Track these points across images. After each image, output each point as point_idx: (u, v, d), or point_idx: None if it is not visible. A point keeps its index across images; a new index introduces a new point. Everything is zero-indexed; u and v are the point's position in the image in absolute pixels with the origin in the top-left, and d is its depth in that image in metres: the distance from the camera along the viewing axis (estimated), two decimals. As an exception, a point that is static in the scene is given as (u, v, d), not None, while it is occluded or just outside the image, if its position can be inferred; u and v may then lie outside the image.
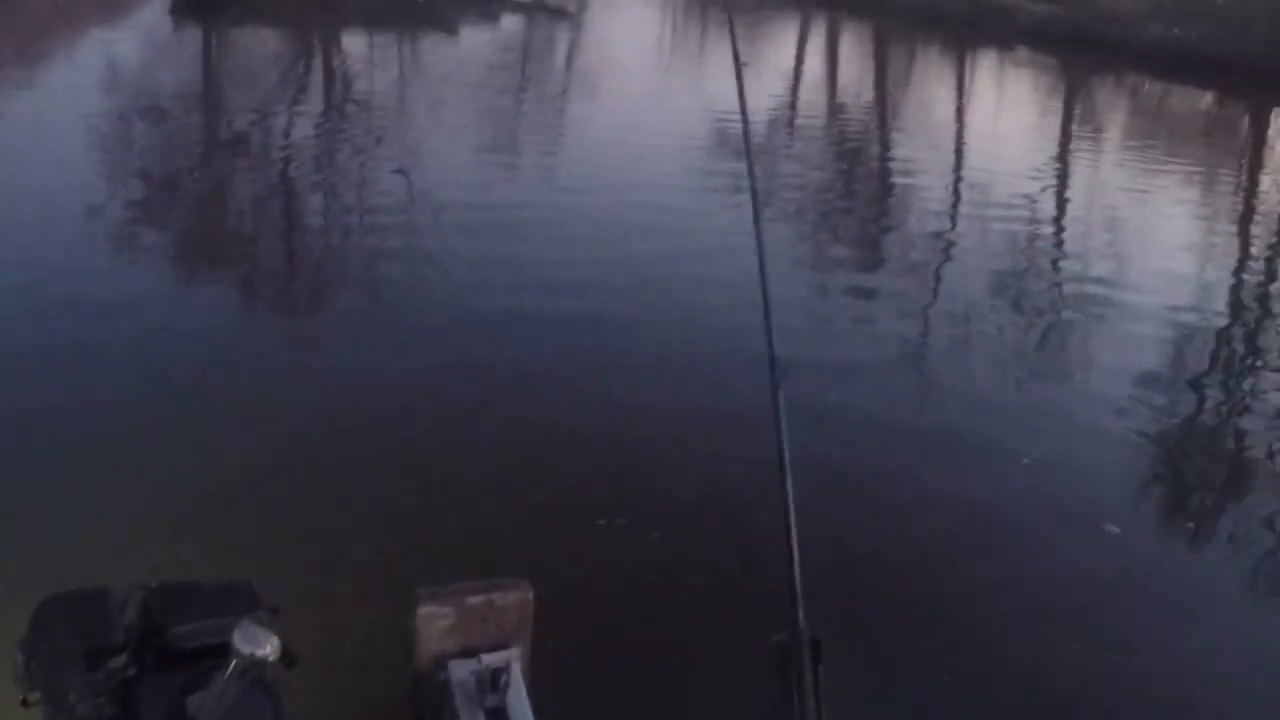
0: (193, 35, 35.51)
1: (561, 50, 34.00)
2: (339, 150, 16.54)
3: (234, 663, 1.46)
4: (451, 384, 8.27)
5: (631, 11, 50.16)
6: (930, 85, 31.29)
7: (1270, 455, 8.87)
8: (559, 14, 42.80)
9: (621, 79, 25.71)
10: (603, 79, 25.73)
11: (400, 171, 14.28)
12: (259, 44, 33.19)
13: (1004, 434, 8.38)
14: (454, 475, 6.89)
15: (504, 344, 8.99)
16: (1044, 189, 17.45)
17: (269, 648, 1.45)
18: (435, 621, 3.09)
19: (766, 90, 23.39)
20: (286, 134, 17.48)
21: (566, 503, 6.66)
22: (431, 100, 21.66)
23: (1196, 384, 10.01)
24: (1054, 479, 7.73)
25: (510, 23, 38.71)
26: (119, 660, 2.08)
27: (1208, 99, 32.52)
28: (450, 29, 35.76)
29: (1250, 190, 20.13)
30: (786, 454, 2.32)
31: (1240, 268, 14.25)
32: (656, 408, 8.09)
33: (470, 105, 20.81)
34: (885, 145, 20.85)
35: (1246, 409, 9.72)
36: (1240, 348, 11.24)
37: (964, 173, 18.18)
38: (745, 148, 3.60)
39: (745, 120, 3.49)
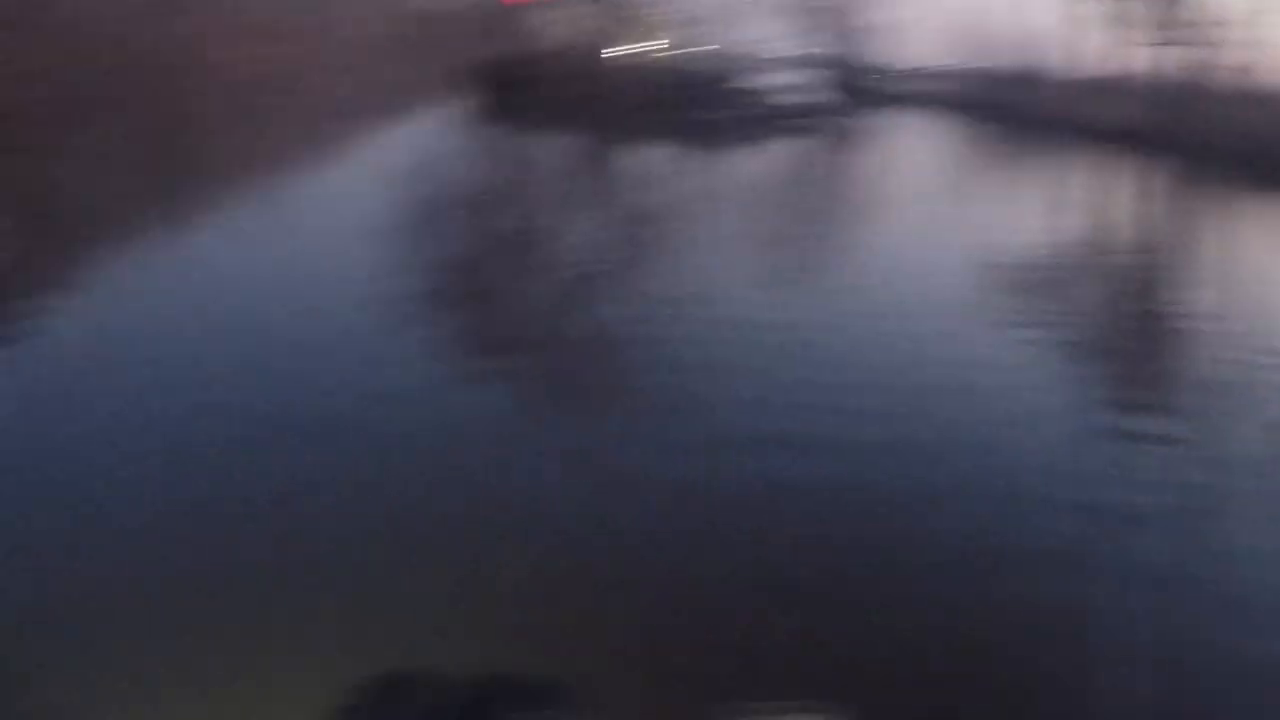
0: (489, 136, 37.27)
1: (858, 172, 34.04)
2: (628, 258, 16.83)
3: None
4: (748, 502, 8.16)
5: (922, 139, 49.89)
6: (1215, 227, 29.77)
7: None
8: (849, 136, 43.00)
9: (911, 206, 25.48)
10: (892, 204, 25.55)
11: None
12: (555, 149, 34.52)
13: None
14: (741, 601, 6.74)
15: (784, 463, 8.82)
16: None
17: None
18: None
19: (1065, 228, 22.88)
20: (577, 238, 17.93)
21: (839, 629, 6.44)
22: (725, 214, 21.91)
23: None
24: None
25: (801, 144, 39.11)
26: None
27: None
28: (748, 144, 36.38)
29: None
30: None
31: None
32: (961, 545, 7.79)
33: (759, 222, 20.94)
34: (1164, 287, 20.01)
35: None
36: None
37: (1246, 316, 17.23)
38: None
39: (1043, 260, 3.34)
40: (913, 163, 38.90)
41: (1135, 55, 60.89)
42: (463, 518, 7.55)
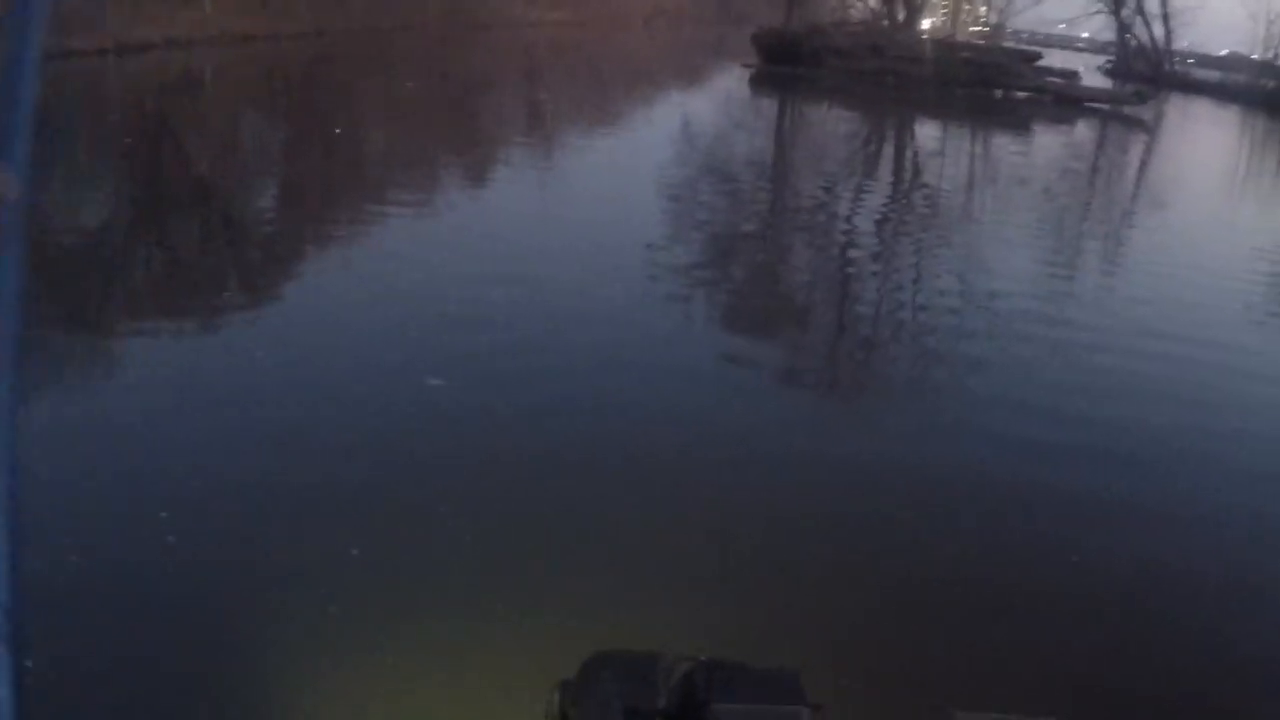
0: (768, 105, 37.20)
1: (1134, 162, 32.68)
2: (898, 236, 16.51)
3: None
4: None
5: (1208, 129, 47.54)
6: None
7: None
8: (1135, 123, 41.43)
9: (1193, 199, 24.32)
10: (1172, 197, 24.41)
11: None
12: (832, 120, 34.23)
13: None
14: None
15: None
16: None
17: None
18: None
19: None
20: (849, 213, 17.68)
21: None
22: (999, 198, 21.33)
23: None
24: None
25: (1084, 128, 37.87)
26: None
27: None
28: (1024, 128, 35.44)
29: None
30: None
31: None
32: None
33: (1036, 209, 20.27)
34: None
35: None
36: None
37: None
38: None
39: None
40: (1207, 154, 37.24)
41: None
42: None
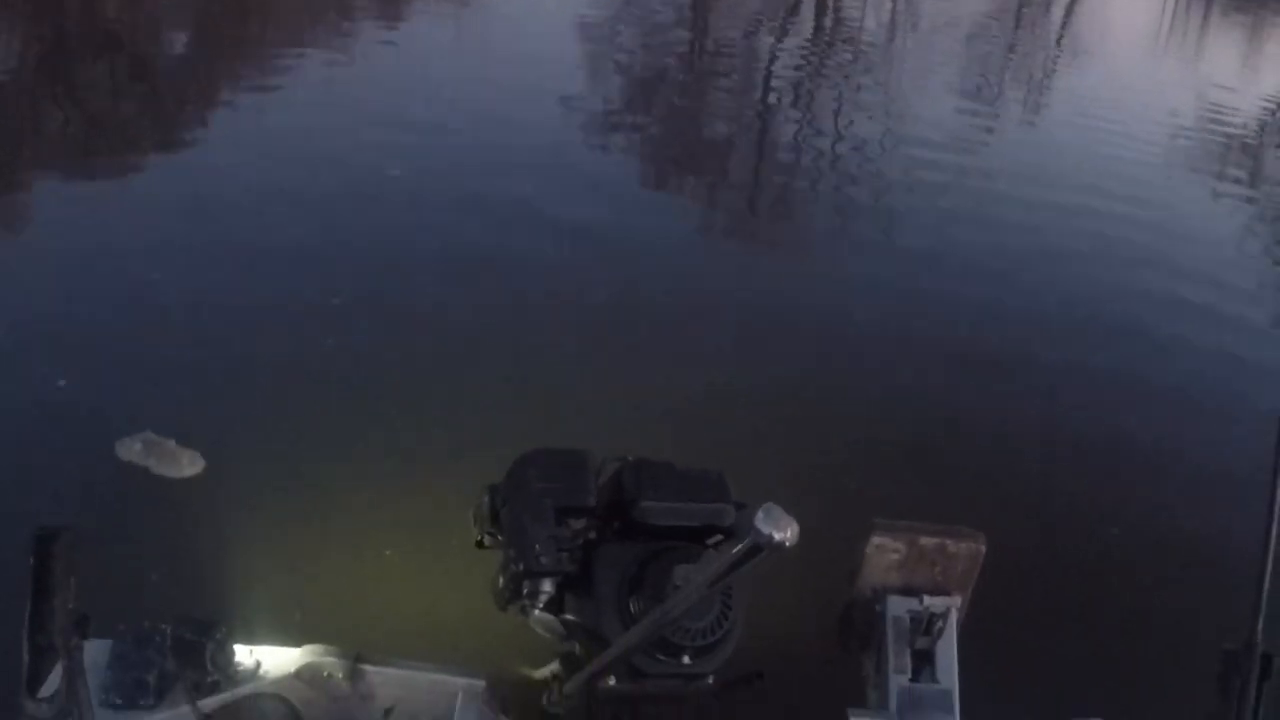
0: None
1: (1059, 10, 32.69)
2: (816, 84, 16.52)
3: (751, 540, 1.42)
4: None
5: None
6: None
7: None
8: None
9: (1119, 53, 24.52)
10: (1098, 50, 24.59)
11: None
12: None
13: None
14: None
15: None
16: None
17: (789, 534, 1.39)
18: (885, 554, 3.02)
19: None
20: (768, 59, 17.60)
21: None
22: (918, 45, 21.33)
23: None
24: None
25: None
26: (586, 522, 2.12)
27: None
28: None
29: None
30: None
31: None
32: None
33: (955, 54, 20.35)
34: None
35: None
36: None
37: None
38: None
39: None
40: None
41: None
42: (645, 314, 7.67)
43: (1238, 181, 13.96)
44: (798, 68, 17.10)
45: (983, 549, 3.08)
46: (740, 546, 1.42)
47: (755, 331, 7.60)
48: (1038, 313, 8.61)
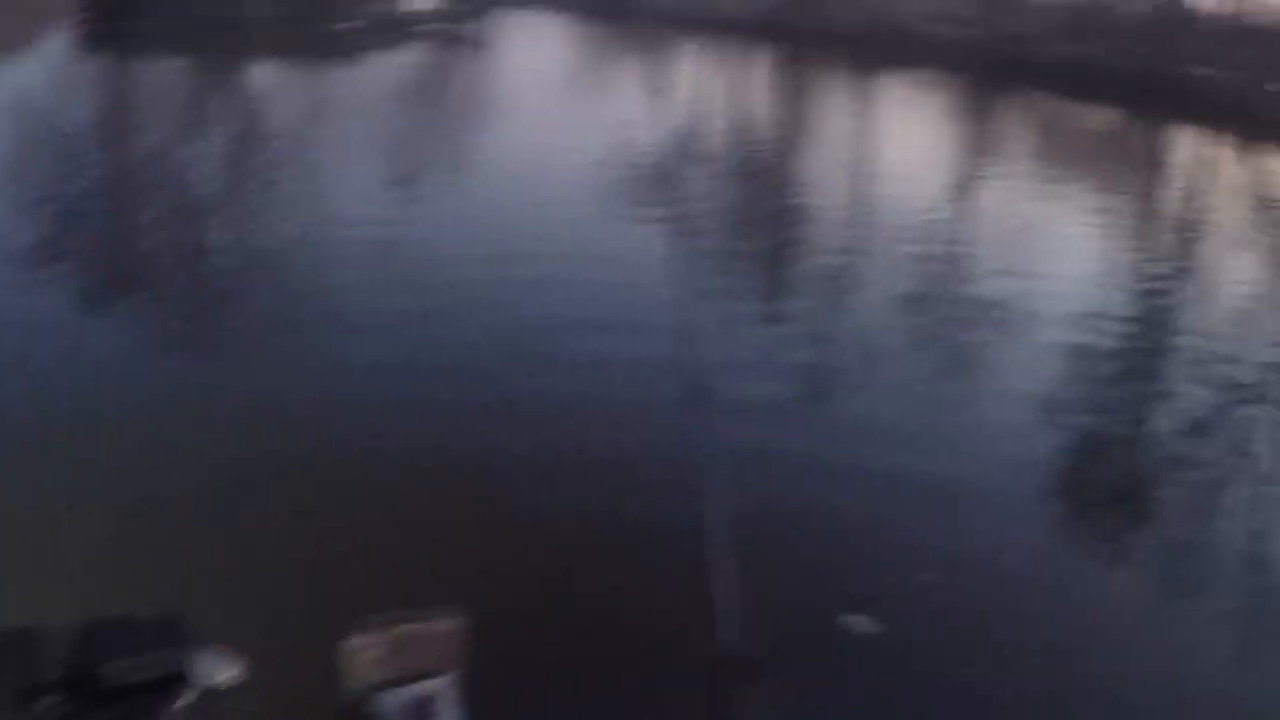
0: (98, 66, 35.05)
1: (485, 76, 34.08)
2: (250, 179, 16.40)
3: (188, 693, 1.44)
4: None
5: (540, 41, 50.19)
6: (838, 109, 31.72)
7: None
8: (467, 42, 42.93)
9: (527, 110, 25.88)
10: (507, 109, 25.86)
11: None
12: (166, 76, 32.84)
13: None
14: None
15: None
16: (952, 208, 17.86)
17: (225, 676, 1.44)
18: (366, 653, 3.10)
19: (674, 118, 23.58)
20: (197, 163, 17.29)
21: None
22: (331, 129, 21.58)
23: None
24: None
25: (418, 52, 38.74)
26: (51, 700, 2.05)
27: (1110, 114, 33.39)
28: (357, 57, 35.66)
29: (1150, 204, 20.66)
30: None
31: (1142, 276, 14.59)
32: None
33: (370, 133, 20.84)
34: (794, 174, 21.05)
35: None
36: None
37: (874, 196, 18.46)
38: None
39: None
40: (543, 64, 39.26)
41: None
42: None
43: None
44: (209, 168, 16.91)
45: (461, 624, 3.24)
46: (184, 700, 1.46)
47: (174, 445, 7.42)
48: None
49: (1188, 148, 29.38)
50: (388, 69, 34.20)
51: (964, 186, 20.38)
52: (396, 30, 41.90)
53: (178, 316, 10.60)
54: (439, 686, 3.24)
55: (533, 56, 42.34)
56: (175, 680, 2.04)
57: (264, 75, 32.50)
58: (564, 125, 23.23)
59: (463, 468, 7.35)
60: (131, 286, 11.51)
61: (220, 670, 1.42)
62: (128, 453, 7.27)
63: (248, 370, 8.93)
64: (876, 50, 44.54)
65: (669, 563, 5.30)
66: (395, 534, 6.36)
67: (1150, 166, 25.53)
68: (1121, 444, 9.18)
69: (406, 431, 7.78)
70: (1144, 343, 11.85)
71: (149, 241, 13.27)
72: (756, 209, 16.95)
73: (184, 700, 1.45)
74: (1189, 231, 18.49)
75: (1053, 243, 15.70)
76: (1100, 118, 33.60)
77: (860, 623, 5.82)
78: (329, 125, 22.01)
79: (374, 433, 7.65)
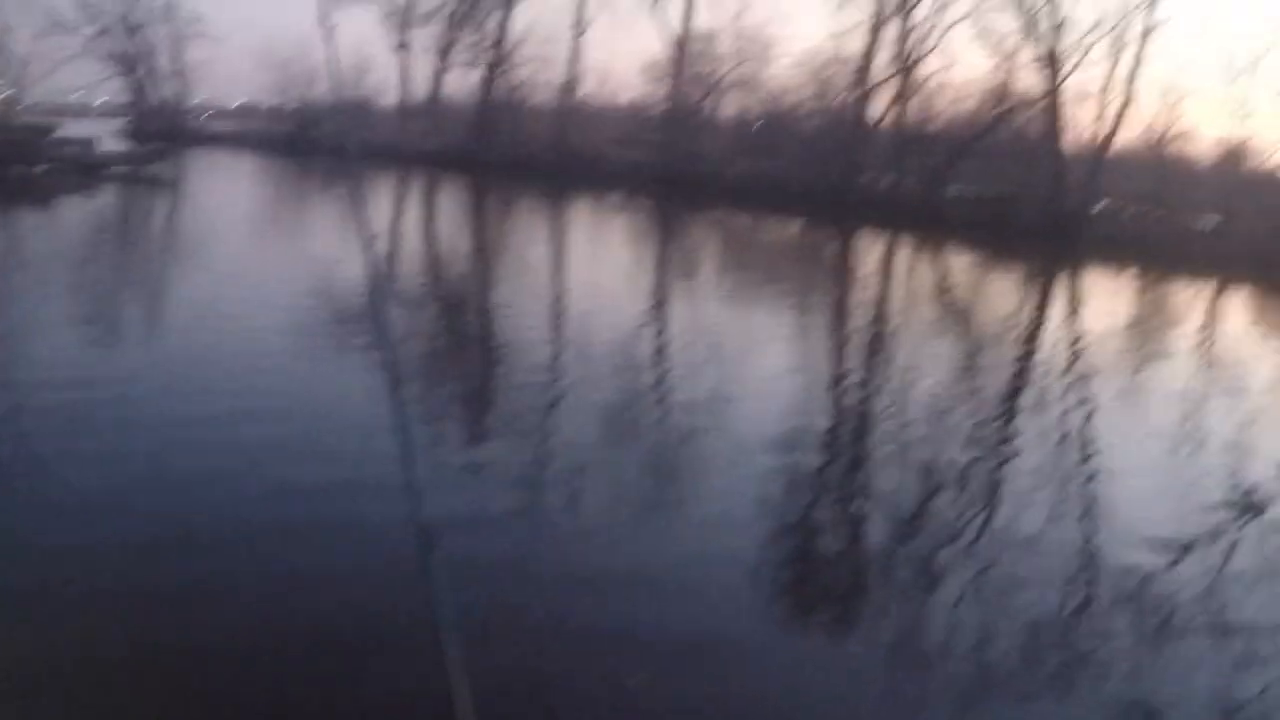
0: None
1: (174, 216, 33.34)
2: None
3: None
4: None
5: (231, 180, 49.47)
6: (531, 233, 32.41)
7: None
8: (159, 181, 41.98)
9: (231, 245, 25.52)
10: (212, 244, 25.49)
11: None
12: None
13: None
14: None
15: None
16: (647, 324, 18.42)
17: None
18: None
19: (371, 252, 23.41)
20: None
21: None
22: (36, 273, 20.63)
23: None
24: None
25: (109, 194, 37.58)
26: None
27: (794, 226, 35.25)
28: (48, 200, 34.40)
29: (838, 309, 21.86)
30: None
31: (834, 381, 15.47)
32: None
33: (74, 278, 20.07)
34: (496, 301, 21.29)
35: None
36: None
37: (570, 314, 18.88)
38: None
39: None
40: (234, 202, 38.80)
41: (449, 81, 64.35)
42: None
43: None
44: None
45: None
46: None
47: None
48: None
49: (869, 251, 31.25)
50: (81, 212, 33.11)
51: (661, 302, 21.05)
52: (87, 173, 40.69)
53: None
54: None
55: (227, 195, 41.85)
56: None
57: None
58: (263, 264, 22.93)
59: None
60: None
61: None
62: None
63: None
64: (567, 175, 45.94)
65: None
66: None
67: (834, 270, 26.97)
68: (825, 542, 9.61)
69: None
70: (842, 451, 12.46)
71: None
72: (463, 339, 17.02)
73: None
74: (883, 329, 19.70)
75: (751, 353, 16.46)
76: (784, 228, 35.38)
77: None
78: (20, 272, 20.94)
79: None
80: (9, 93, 66.34)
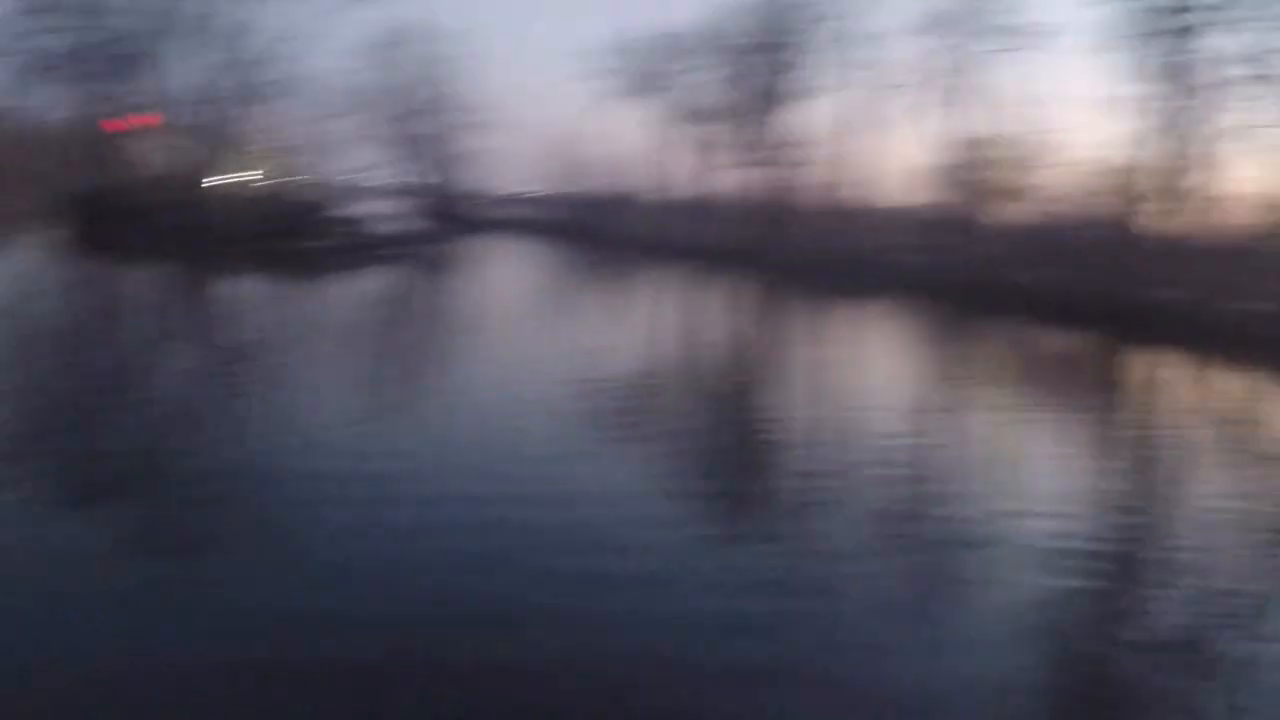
0: (81, 269, 35.31)
1: (455, 299, 34.43)
2: (226, 395, 16.20)
3: None
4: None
5: (506, 266, 50.47)
6: (809, 334, 32.04)
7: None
8: (432, 264, 43.57)
9: (509, 331, 26.15)
10: (491, 329, 26.11)
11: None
12: (151, 281, 33.09)
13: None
14: None
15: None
16: (935, 434, 17.62)
17: None
18: None
19: (647, 344, 23.70)
20: (173, 375, 17.10)
21: None
22: (324, 346, 21.57)
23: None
24: None
25: (391, 273, 39.65)
26: None
27: (1072, 336, 33.89)
28: (345, 273, 36.11)
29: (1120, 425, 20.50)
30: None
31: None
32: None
33: (359, 354, 20.88)
34: (769, 401, 20.90)
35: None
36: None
37: (852, 423, 18.32)
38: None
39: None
40: (510, 287, 39.72)
41: (726, 177, 65.07)
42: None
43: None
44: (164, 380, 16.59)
45: None
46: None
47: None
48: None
49: (1150, 368, 29.54)
50: (355, 288, 34.54)
51: (945, 412, 20.26)
52: (366, 250, 42.46)
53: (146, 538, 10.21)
54: None
55: (500, 280, 42.67)
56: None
57: (235, 290, 32.78)
58: (538, 353, 23.16)
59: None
60: (112, 496, 11.18)
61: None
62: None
63: (220, 628, 8.37)
64: (843, 277, 45.57)
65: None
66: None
67: (1116, 388, 25.59)
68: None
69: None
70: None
71: (127, 455, 12.89)
72: (734, 439, 16.74)
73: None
74: (1170, 454, 18.10)
75: (1037, 470, 15.39)
76: (1063, 340, 34.07)
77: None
78: (298, 344, 21.94)
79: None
80: (303, 168, 70.44)
